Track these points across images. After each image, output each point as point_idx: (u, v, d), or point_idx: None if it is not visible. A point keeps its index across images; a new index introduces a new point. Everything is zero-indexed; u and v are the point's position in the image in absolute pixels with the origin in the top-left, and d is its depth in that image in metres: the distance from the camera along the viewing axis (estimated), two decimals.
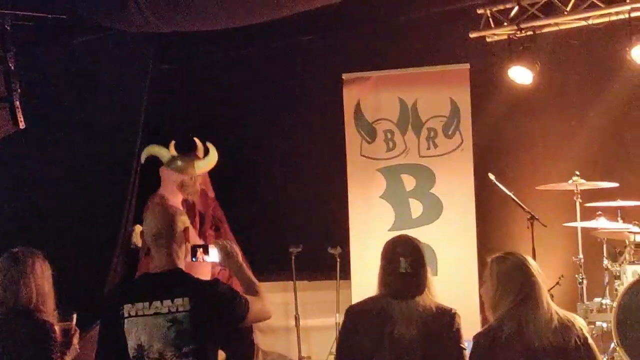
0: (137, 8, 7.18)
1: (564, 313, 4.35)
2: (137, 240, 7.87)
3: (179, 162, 7.52)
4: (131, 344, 4.05)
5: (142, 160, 7.74)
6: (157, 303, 4.06)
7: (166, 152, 7.60)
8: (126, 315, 4.07)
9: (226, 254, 4.49)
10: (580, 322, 4.37)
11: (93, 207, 8.09)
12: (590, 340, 4.33)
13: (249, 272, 4.49)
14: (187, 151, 7.72)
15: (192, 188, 7.55)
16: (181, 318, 4.04)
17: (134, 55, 8.60)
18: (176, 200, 7.42)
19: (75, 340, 4.88)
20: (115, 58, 8.44)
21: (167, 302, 4.06)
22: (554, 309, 4.32)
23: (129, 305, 4.08)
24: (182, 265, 4.25)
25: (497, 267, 4.40)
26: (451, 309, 4.57)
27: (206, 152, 7.72)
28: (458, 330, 4.53)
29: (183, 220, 4.31)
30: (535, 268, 4.37)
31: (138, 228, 7.91)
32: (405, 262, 4.53)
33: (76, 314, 4.91)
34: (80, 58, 8.41)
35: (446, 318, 4.52)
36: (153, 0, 7.13)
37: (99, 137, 8.25)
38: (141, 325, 4.05)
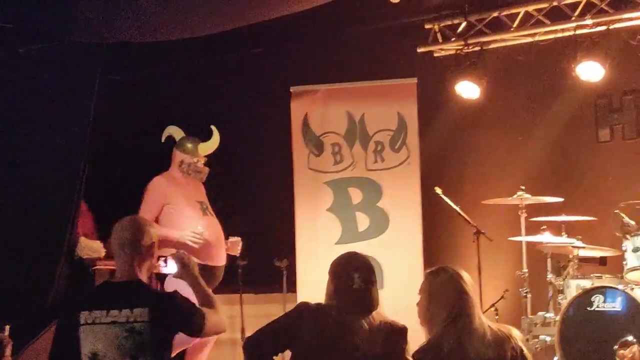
0: (85, 18, 7.12)
1: (497, 326, 4.38)
2: (81, 252, 7.80)
3: (188, 144, 7.63)
4: (85, 351, 4.01)
5: (163, 139, 7.85)
6: (114, 312, 4.04)
7: (180, 134, 7.76)
8: (82, 322, 4.04)
9: (182, 266, 4.48)
10: (515, 333, 4.40)
11: (37, 218, 7.98)
12: (525, 351, 4.36)
13: (206, 286, 4.48)
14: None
15: (192, 168, 7.57)
16: (139, 328, 4.01)
17: (82, 64, 8.50)
18: (179, 181, 7.54)
19: (8, 351, 4.83)
20: (63, 67, 8.34)
21: (126, 312, 4.04)
22: (487, 323, 4.34)
23: (86, 312, 4.06)
24: (143, 277, 4.22)
25: (430, 282, 4.43)
26: (403, 325, 4.59)
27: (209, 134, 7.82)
28: (407, 346, 4.54)
29: (151, 234, 4.28)
30: (468, 283, 4.39)
31: (84, 241, 7.85)
32: (359, 279, 4.51)
33: (9, 325, 4.84)
34: (26, 67, 8.31)
35: (400, 334, 4.54)
36: (102, 11, 7.08)
37: (44, 146, 8.14)
38: (98, 334, 4.02)
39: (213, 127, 7.70)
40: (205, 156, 7.69)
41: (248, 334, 8.02)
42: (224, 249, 7.53)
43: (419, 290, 4.51)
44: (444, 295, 4.33)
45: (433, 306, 4.35)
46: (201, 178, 7.66)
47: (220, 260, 7.45)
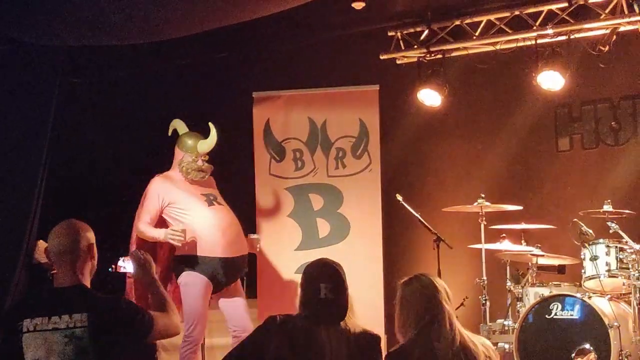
0: (46, 20, 7.06)
1: (470, 336, 4.37)
2: (39, 256, 7.70)
3: (188, 141, 7.46)
4: (28, 359, 3.95)
5: (169, 133, 7.72)
6: (55, 318, 3.98)
7: (183, 128, 7.63)
8: (25, 330, 3.98)
9: (139, 266, 4.44)
10: (485, 343, 4.40)
11: None
12: None
13: (161, 288, 4.43)
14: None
15: (191, 167, 7.36)
16: (79, 334, 3.96)
17: (42, 67, 8.44)
18: (178, 179, 7.40)
19: None
20: (23, 70, 8.26)
21: (66, 318, 3.98)
22: (459, 331, 4.33)
23: (28, 320, 4.00)
24: (86, 281, 4.18)
25: (402, 291, 4.42)
26: (376, 335, 4.55)
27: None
28: (381, 354, 4.52)
29: (88, 237, 4.24)
30: (441, 290, 4.38)
31: (41, 244, 7.74)
32: (326, 289, 4.47)
33: None
34: None
35: (373, 343, 4.50)
36: (62, 13, 7.02)
37: (3, 150, 8.06)
38: (39, 341, 3.97)
39: (210, 124, 7.48)
40: (208, 154, 7.51)
41: (207, 339, 8.07)
42: (241, 239, 7.37)
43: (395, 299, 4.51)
44: (415, 303, 4.33)
45: (404, 314, 4.35)
46: (202, 177, 7.43)
47: (238, 251, 7.26)
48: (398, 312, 4.40)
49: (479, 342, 4.38)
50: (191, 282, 7.09)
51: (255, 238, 7.64)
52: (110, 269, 4.51)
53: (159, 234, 7.07)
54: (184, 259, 7.15)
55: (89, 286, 4.20)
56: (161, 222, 7.27)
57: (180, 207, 7.21)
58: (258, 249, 7.75)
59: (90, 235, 4.27)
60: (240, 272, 7.35)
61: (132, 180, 7.90)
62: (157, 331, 4.20)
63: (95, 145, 9.80)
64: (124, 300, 4.24)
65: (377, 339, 4.54)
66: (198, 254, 7.08)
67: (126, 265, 4.56)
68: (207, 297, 7.16)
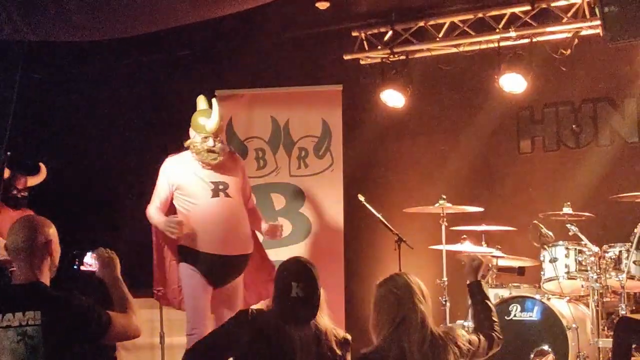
0: (6, 15, 7.00)
1: (441, 332, 4.35)
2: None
3: (199, 119, 6.80)
4: None
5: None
6: (9, 316, 3.94)
7: (203, 103, 7.05)
8: None
9: (103, 264, 4.40)
10: (459, 332, 4.42)
11: None
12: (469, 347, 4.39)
13: (124, 288, 4.38)
14: None
15: (200, 147, 6.70)
16: (31, 332, 3.92)
17: (2, 62, 8.37)
18: (191, 161, 6.85)
19: None
20: None
21: (19, 315, 3.93)
22: (431, 330, 4.30)
23: None
24: (44, 278, 4.12)
25: (377, 291, 4.40)
26: (345, 335, 4.58)
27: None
28: (348, 355, 4.54)
29: (46, 233, 4.18)
30: (416, 290, 4.35)
31: (0, 241, 7.68)
32: (297, 287, 4.46)
33: None
34: None
35: (342, 344, 4.52)
36: (23, 8, 6.96)
37: None
38: None
39: (213, 101, 7.01)
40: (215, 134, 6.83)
41: (167, 338, 8.03)
42: (242, 237, 6.84)
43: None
44: (387, 303, 4.31)
45: (378, 315, 4.33)
46: (214, 159, 6.71)
47: (236, 249, 6.76)
48: (372, 312, 4.38)
49: (453, 335, 4.37)
50: (188, 276, 6.73)
51: (276, 225, 7.13)
52: (75, 266, 4.45)
53: (159, 222, 6.72)
54: (184, 250, 6.77)
55: (47, 283, 4.14)
56: (172, 209, 6.90)
57: (186, 194, 6.76)
58: (280, 236, 7.17)
59: (49, 231, 4.21)
60: (236, 274, 6.86)
61: (95, 181, 7.83)
62: (114, 332, 4.14)
63: (57, 142, 9.73)
64: (79, 297, 4.13)
65: (347, 339, 4.58)
66: (197, 248, 6.66)
67: (92, 262, 4.51)
68: (204, 292, 6.69)
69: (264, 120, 8.85)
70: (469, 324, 7.69)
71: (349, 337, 4.59)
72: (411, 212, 8.24)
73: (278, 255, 7.51)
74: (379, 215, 8.11)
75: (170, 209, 6.89)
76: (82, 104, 9.89)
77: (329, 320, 4.59)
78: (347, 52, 9.10)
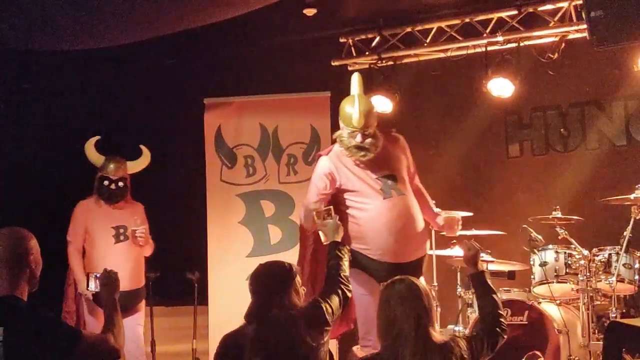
0: None
1: (441, 341, 4.25)
2: None
3: (345, 109, 6.01)
4: None
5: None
6: None
7: (353, 89, 6.19)
8: None
9: (105, 285, 4.40)
10: (457, 338, 4.37)
11: None
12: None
13: (116, 310, 4.32)
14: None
15: (347, 142, 5.97)
16: None
17: None
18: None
19: None
20: None
21: None
22: (429, 339, 4.19)
23: None
24: (21, 292, 4.02)
25: (379, 298, 4.33)
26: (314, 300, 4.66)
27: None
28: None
29: (27, 245, 4.08)
30: (416, 297, 4.23)
31: None
32: (255, 294, 4.54)
33: None
34: None
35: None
36: (11, 17, 6.96)
37: None
38: None
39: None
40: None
41: (158, 347, 8.02)
42: (417, 240, 6.08)
43: None
44: (387, 311, 4.23)
45: (379, 321, 4.26)
46: (364, 156, 5.92)
47: (410, 254, 5.98)
48: (377, 317, 4.31)
49: (451, 343, 4.30)
50: (360, 283, 5.92)
51: (455, 217, 6.38)
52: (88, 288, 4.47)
53: (307, 224, 6.08)
54: (355, 255, 5.88)
55: (24, 296, 4.04)
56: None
57: (356, 195, 6.01)
58: (458, 230, 6.38)
59: (30, 244, 4.12)
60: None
61: (80, 190, 7.80)
62: (81, 350, 3.99)
63: (43, 150, 9.71)
64: (46, 313, 4.03)
65: (315, 302, 4.62)
66: (370, 255, 5.93)
67: (90, 282, 4.54)
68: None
69: (253, 127, 8.84)
70: (460, 328, 7.72)
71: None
72: None
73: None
74: None
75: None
76: (68, 113, 9.86)
77: None
78: (335, 58, 9.11)
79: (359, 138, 5.91)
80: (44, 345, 3.92)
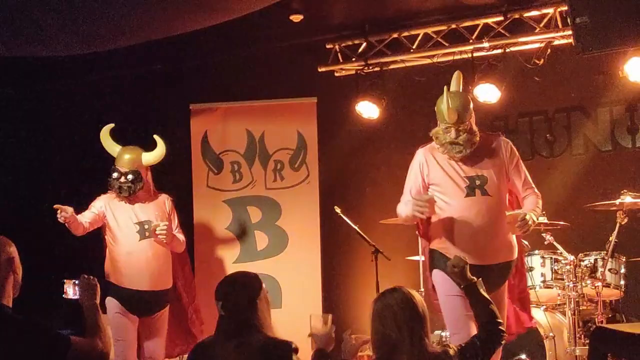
0: None
1: (436, 352, 4.23)
2: None
3: (440, 106, 6.01)
4: None
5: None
6: None
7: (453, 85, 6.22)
8: None
9: (85, 290, 4.35)
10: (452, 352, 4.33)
11: None
12: None
13: (98, 314, 4.29)
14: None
15: (443, 139, 5.92)
16: None
17: None
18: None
19: None
20: None
21: None
22: (424, 351, 4.15)
23: None
24: (6, 297, 4.00)
25: (372, 308, 4.26)
26: (285, 342, 4.40)
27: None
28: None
29: (8, 251, 4.06)
30: (408, 308, 4.19)
31: None
32: (221, 306, 4.46)
33: None
34: None
35: (280, 352, 4.35)
36: None
37: None
38: None
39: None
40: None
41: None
42: (501, 244, 5.85)
43: None
44: (378, 323, 4.19)
45: (372, 334, 4.23)
46: (460, 152, 5.85)
47: (494, 258, 5.79)
48: (371, 329, 4.27)
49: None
50: (442, 282, 5.83)
51: (514, 214, 5.84)
52: (63, 295, 4.44)
53: (406, 210, 5.91)
54: (435, 255, 5.92)
55: (9, 303, 4.02)
56: None
57: (439, 190, 5.96)
58: (521, 229, 5.81)
59: (10, 250, 4.10)
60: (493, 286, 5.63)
61: (66, 195, 7.77)
62: (73, 356, 3.97)
63: (30, 156, 9.69)
64: (31, 321, 4.00)
65: (284, 346, 4.40)
66: (447, 254, 5.68)
67: (69, 289, 4.51)
68: (463, 300, 5.22)
69: (239, 133, 8.83)
70: (446, 334, 7.72)
71: (289, 343, 4.39)
72: (388, 223, 8.24)
73: (254, 269, 7.46)
74: (355, 227, 8.11)
75: None
76: (54, 119, 9.85)
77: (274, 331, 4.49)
78: (322, 64, 9.11)
79: (453, 134, 5.86)
80: (34, 355, 3.90)
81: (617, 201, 7.06)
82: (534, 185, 6.10)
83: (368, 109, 8.85)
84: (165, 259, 7.18)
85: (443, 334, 7.76)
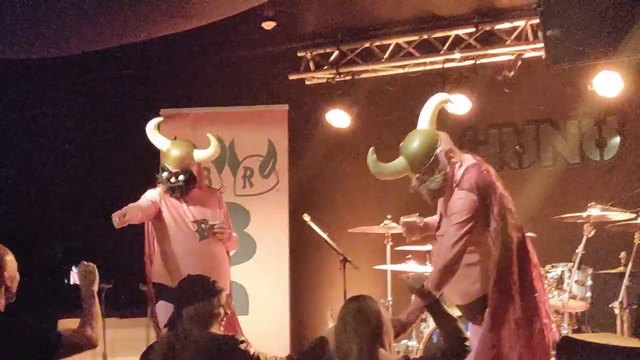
0: None
1: (391, 358, 4.18)
2: None
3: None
4: None
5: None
6: None
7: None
8: None
9: (83, 276, 4.42)
10: None
11: None
12: None
13: (95, 302, 4.37)
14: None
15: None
16: None
17: None
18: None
19: None
20: None
21: None
22: (378, 355, 4.10)
23: None
24: None
25: (338, 316, 4.27)
26: (231, 337, 4.59)
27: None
28: (241, 354, 4.50)
29: (5, 261, 4.13)
30: (365, 315, 4.16)
31: None
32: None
33: None
34: None
35: (227, 347, 4.52)
36: None
37: None
38: None
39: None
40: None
41: (110, 359, 7.95)
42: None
43: None
44: (339, 328, 4.19)
45: (335, 343, 4.22)
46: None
47: None
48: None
49: None
50: None
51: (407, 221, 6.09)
52: (66, 281, 4.47)
53: None
54: None
55: (1, 308, 4.08)
56: None
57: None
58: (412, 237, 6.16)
59: (4, 260, 4.15)
60: None
61: (36, 200, 7.73)
62: (65, 348, 4.11)
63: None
64: (25, 322, 4.09)
65: (230, 341, 4.55)
66: None
67: (73, 275, 4.57)
68: None
69: (209, 139, 8.79)
70: (413, 343, 7.73)
71: (236, 338, 4.59)
72: (357, 232, 8.25)
73: None
74: (324, 235, 8.09)
75: None
76: (24, 122, 9.79)
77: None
78: (293, 72, 9.12)
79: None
80: (27, 354, 3.98)
81: (585, 213, 7.09)
82: None
83: (339, 118, 8.86)
84: (225, 260, 6.76)
85: (410, 343, 7.78)
